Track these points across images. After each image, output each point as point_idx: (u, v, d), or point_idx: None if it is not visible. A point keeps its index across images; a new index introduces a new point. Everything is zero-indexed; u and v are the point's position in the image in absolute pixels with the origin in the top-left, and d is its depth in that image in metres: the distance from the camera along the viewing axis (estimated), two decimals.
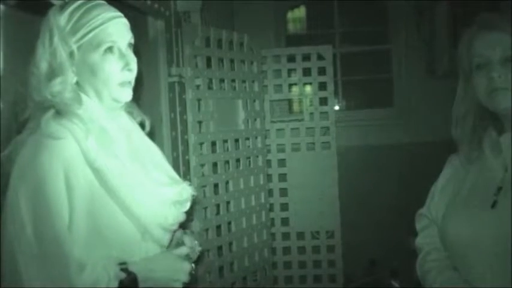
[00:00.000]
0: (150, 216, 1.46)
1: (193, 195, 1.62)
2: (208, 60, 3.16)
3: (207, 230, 3.05)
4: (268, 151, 3.96)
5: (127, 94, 1.49)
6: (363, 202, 4.42)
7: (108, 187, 1.39)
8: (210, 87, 3.15)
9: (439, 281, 1.59)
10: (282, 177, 4.06)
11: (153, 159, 1.60)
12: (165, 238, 1.54)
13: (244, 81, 3.49)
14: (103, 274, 1.34)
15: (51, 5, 1.47)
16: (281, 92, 4.07)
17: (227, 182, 3.27)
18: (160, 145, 2.62)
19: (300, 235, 4.06)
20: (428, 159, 2.71)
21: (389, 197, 4.35)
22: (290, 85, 4.12)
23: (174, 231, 1.60)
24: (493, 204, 1.47)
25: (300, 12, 5.08)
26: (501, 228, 1.42)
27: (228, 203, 3.26)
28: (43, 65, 1.42)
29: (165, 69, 2.90)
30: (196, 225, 2.90)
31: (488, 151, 1.56)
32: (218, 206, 3.18)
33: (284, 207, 4.06)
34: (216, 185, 3.15)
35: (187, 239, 1.62)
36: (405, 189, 4.01)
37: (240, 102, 3.42)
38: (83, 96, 1.46)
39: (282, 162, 4.07)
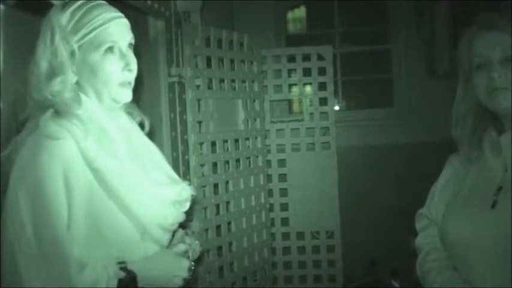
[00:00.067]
0: (149, 216, 1.46)
1: (192, 195, 1.62)
2: (208, 60, 3.16)
3: (206, 230, 3.05)
4: (268, 151, 3.96)
5: (127, 94, 1.49)
6: (363, 202, 4.42)
7: (108, 187, 1.39)
8: (210, 87, 3.15)
9: (439, 281, 1.59)
10: (282, 177, 4.06)
11: (153, 159, 1.60)
12: (165, 238, 1.54)
13: (244, 81, 3.49)
14: (102, 273, 1.34)
15: (51, 5, 1.47)
16: (281, 92, 4.07)
17: (227, 182, 3.27)
18: (160, 145, 2.62)
19: (300, 235, 4.06)
20: (428, 159, 2.71)
21: (389, 197, 4.35)
22: (290, 85, 4.12)
23: (174, 232, 1.60)
24: (493, 204, 1.47)
25: (300, 12, 5.08)
26: (501, 228, 1.42)
27: (227, 203, 3.26)
28: (43, 64, 1.42)
29: (165, 69, 2.90)
30: (196, 225, 2.90)
31: (488, 151, 1.56)
32: (218, 206, 3.18)
33: (284, 207, 4.06)
34: (216, 185, 3.15)
35: (188, 239, 1.62)
36: (405, 189, 4.01)
37: (240, 102, 3.41)
38: (83, 96, 1.46)
39: (282, 163, 4.07)
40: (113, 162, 1.41)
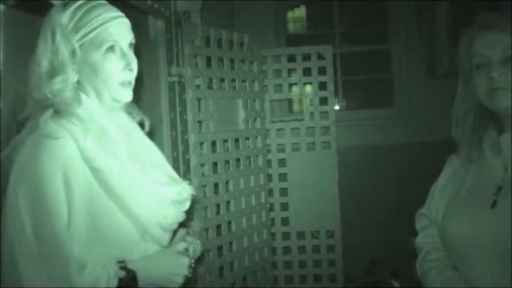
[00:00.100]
0: (149, 216, 1.46)
1: (192, 195, 1.62)
2: (208, 60, 3.15)
3: (207, 229, 3.05)
4: (269, 151, 3.96)
5: (127, 94, 1.49)
6: (363, 202, 4.42)
7: (107, 187, 1.39)
8: (210, 87, 3.15)
9: (439, 280, 1.60)
10: (282, 176, 4.06)
11: (153, 159, 1.60)
12: (165, 238, 1.54)
13: (244, 81, 3.49)
14: (102, 273, 1.34)
15: (51, 5, 1.47)
16: (281, 91, 4.07)
17: (227, 182, 3.27)
18: (161, 145, 2.62)
19: (300, 235, 4.06)
20: (428, 159, 2.72)
21: (389, 196, 4.35)
22: (290, 85, 4.12)
23: (175, 231, 1.60)
24: (493, 204, 1.47)
25: (300, 12, 5.08)
26: (501, 227, 1.42)
27: (228, 202, 3.26)
28: (44, 63, 1.42)
29: (165, 69, 2.90)
30: (196, 224, 2.90)
31: (488, 151, 1.56)
32: (218, 205, 3.18)
33: (284, 206, 4.06)
34: (216, 185, 3.15)
35: (189, 238, 1.62)
36: (405, 189, 4.01)
37: (240, 102, 3.41)
38: (83, 96, 1.46)
39: (282, 162, 4.07)
40: (112, 162, 1.41)
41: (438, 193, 1.69)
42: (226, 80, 3.28)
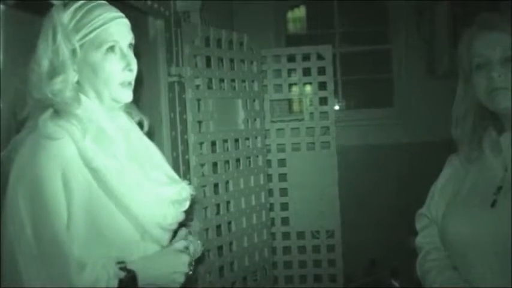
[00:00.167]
0: (148, 216, 1.46)
1: (192, 195, 1.62)
2: (208, 60, 3.15)
3: (207, 229, 3.05)
4: (268, 151, 3.96)
5: (127, 95, 1.50)
6: (363, 202, 4.42)
7: (107, 187, 1.39)
8: (209, 87, 3.15)
9: (439, 280, 1.60)
10: (282, 177, 4.06)
11: (152, 159, 1.59)
12: (164, 238, 1.54)
13: (244, 81, 3.49)
14: (102, 273, 1.34)
15: (51, 4, 1.47)
16: (281, 91, 4.07)
17: (227, 182, 3.27)
18: (160, 145, 2.62)
19: (300, 235, 4.06)
20: (428, 159, 2.71)
21: (389, 196, 4.35)
22: (290, 85, 4.12)
23: (175, 231, 1.60)
24: (493, 204, 1.47)
25: (300, 12, 5.08)
26: (501, 227, 1.42)
27: (228, 202, 3.26)
28: (45, 63, 1.42)
29: (164, 69, 2.90)
30: (196, 225, 2.90)
31: (488, 151, 1.56)
32: (218, 205, 3.18)
33: (284, 206, 4.06)
34: (216, 185, 3.15)
35: (190, 237, 1.62)
36: (405, 189, 4.01)
37: (239, 102, 3.41)
38: (82, 96, 1.46)
39: (282, 162, 4.07)
40: (111, 162, 1.41)
41: (438, 193, 1.69)
42: (226, 80, 3.28)
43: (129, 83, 1.49)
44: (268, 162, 3.92)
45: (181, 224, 1.62)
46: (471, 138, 1.58)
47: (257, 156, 3.55)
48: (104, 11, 1.45)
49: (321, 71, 4.01)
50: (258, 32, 3.97)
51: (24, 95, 1.44)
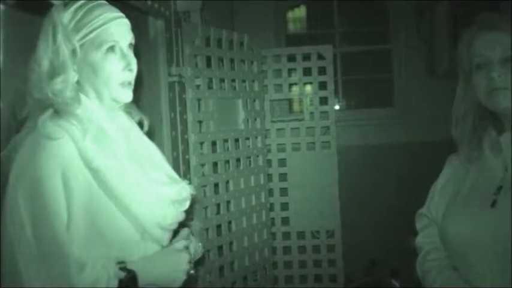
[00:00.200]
0: (148, 216, 1.46)
1: (192, 194, 1.62)
2: (208, 59, 3.16)
3: (207, 229, 3.05)
4: (269, 151, 3.96)
5: (127, 95, 1.50)
6: (363, 202, 4.42)
7: (107, 187, 1.39)
8: (210, 87, 3.15)
9: (439, 280, 1.60)
10: (283, 176, 4.06)
11: (152, 159, 1.59)
12: (164, 237, 1.54)
13: (244, 81, 3.49)
14: (103, 273, 1.34)
15: (51, 4, 1.47)
16: (281, 91, 4.07)
17: (227, 182, 3.27)
18: (161, 145, 2.62)
19: (301, 234, 4.07)
20: (428, 159, 2.72)
21: (389, 196, 4.35)
22: (290, 85, 4.12)
23: (176, 231, 1.60)
24: (493, 204, 1.47)
25: (300, 12, 5.09)
26: (501, 227, 1.42)
27: (228, 202, 3.26)
28: (45, 63, 1.42)
29: (165, 69, 2.90)
30: (196, 224, 2.90)
31: (488, 151, 1.56)
32: (218, 205, 3.18)
33: (284, 206, 4.06)
34: (216, 185, 3.15)
35: (192, 238, 1.62)
36: (405, 189, 4.01)
37: (240, 102, 3.41)
38: (82, 96, 1.46)
39: (282, 162, 4.07)
40: (111, 162, 1.41)
41: (438, 193, 1.69)
42: (226, 80, 3.28)
43: (129, 83, 1.49)
44: (269, 162, 3.92)
45: (182, 224, 1.62)
46: (471, 138, 1.58)
47: (257, 156, 3.55)
48: (104, 11, 1.45)
49: (321, 70, 4.01)
50: (259, 32, 3.97)
51: (24, 95, 1.44)
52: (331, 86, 4.00)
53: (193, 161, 2.96)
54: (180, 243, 1.56)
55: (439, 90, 3.58)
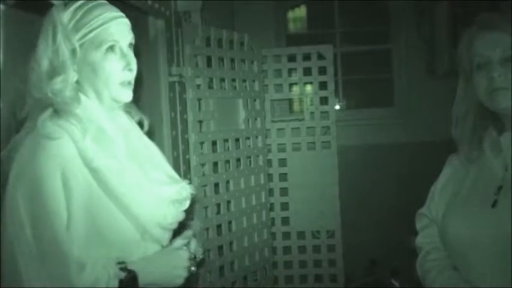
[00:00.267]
0: (148, 216, 1.46)
1: (192, 194, 1.62)
2: (209, 59, 3.16)
3: (207, 229, 3.05)
4: (269, 150, 3.96)
5: (127, 94, 1.50)
6: (363, 202, 4.42)
7: (107, 187, 1.39)
8: (210, 87, 3.15)
9: (439, 280, 1.60)
10: (283, 176, 4.06)
11: (152, 159, 1.59)
12: (164, 237, 1.54)
13: (244, 81, 3.49)
14: (103, 273, 1.34)
15: (51, 4, 1.47)
16: (281, 91, 4.07)
17: (228, 182, 3.27)
18: (161, 144, 2.62)
19: (301, 234, 4.06)
20: (429, 159, 2.71)
21: (389, 196, 4.35)
22: (290, 84, 4.12)
23: (176, 231, 1.60)
24: (493, 204, 1.47)
25: (301, 11, 5.08)
26: (501, 227, 1.42)
27: (228, 202, 3.26)
28: (44, 62, 1.42)
29: (165, 69, 2.90)
30: (196, 224, 2.90)
31: (489, 150, 1.56)
32: (219, 205, 3.18)
33: (284, 206, 4.06)
34: (216, 185, 3.15)
35: (193, 242, 1.61)
36: (405, 189, 4.01)
37: (240, 102, 3.42)
38: (82, 96, 1.46)
39: (282, 162, 4.07)
40: (111, 162, 1.41)
41: (438, 193, 1.69)
42: (226, 80, 3.28)
43: (129, 83, 1.49)
44: (269, 162, 3.92)
45: (181, 224, 1.62)
46: (471, 138, 1.58)
47: (258, 156, 3.55)
48: (104, 10, 1.45)
49: (322, 70, 4.01)
50: (259, 32, 3.97)
51: (24, 95, 1.44)
52: (331, 86, 4.00)
53: (194, 161, 2.97)
54: (178, 242, 1.56)
55: (439, 90, 3.58)
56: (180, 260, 1.52)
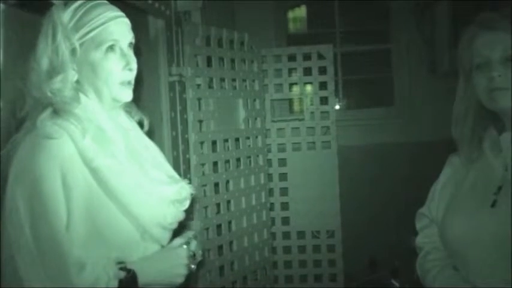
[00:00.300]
0: (148, 216, 1.46)
1: (192, 194, 1.62)
2: (209, 59, 3.16)
3: (207, 229, 3.05)
4: (269, 150, 3.96)
5: (127, 94, 1.50)
6: (364, 201, 4.41)
7: (106, 187, 1.39)
8: (210, 87, 3.15)
9: (439, 280, 1.60)
10: (283, 176, 4.06)
11: (152, 158, 1.59)
12: (164, 237, 1.54)
13: (244, 81, 3.49)
14: (102, 274, 1.33)
15: (51, 4, 1.47)
16: (282, 91, 4.07)
17: (228, 181, 3.27)
18: (161, 144, 2.62)
19: (301, 234, 4.06)
20: (429, 158, 2.71)
21: (389, 196, 4.34)
22: (291, 84, 4.12)
23: (175, 231, 1.60)
24: (493, 204, 1.47)
25: (301, 11, 5.08)
26: (501, 227, 1.42)
27: (228, 202, 3.26)
28: (44, 62, 1.43)
29: (165, 69, 2.90)
30: (196, 224, 2.91)
31: (489, 151, 1.56)
32: (219, 205, 3.18)
33: (284, 206, 4.06)
34: (216, 184, 3.15)
35: (193, 242, 1.61)
36: (405, 189, 4.01)
37: (240, 102, 3.42)
38: (81, 96, 1.46)
39: (282, 162, 4.07)
40: (111, 161, 1.41)
41: (438, 193, 1.69)
42: (226, 80, 3.28)
43: (129, 82, 1.49)
44: (269, 162, 3.92)
45: (181, 224, 1.62)
46: (471, 138, 1.58)
47: (258, 156, 3.55)
48: (104, 10, 1.46)
49: (322, 70, 4.01)
50: (259, 32, 3.97)
51: (24, 95, 1.44)
52: (331, 86, 4.00)
53: (194, 161, 2.97)
54: (176, 241, 1.55)
55: (440, 90, 3.58)
56: (179, 259, 1.51)
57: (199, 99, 3.06)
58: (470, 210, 1.53)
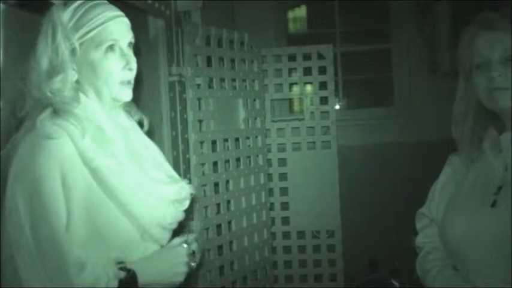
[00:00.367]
0: (148, 216, 1.46)
1: (192, 194, 1.62)
2: (209, 59, 3.16)
3: (207, 229, 3.05)
4: (269, 150, 3.96)
5: (127, 93, 1.50)
6: (364, 201, 4.41)
7: (106, 187, 1.39)
8: (210, 86, 3.15)
9: (439, 280, 1.60)
10: (283, 176, 4.06)
11: (151, 158, 1.59)
12: (164, 237, 1.54)
13: (244, 80, 3.49)
14: (103, 274, 1.33)
15: (51, 4, 1.47)
16: (282, 91, 4.07)
17: (227, 181, 3.27)
18: (161, 144, 2.62)
19: (301, 234, 4.06)
20: (429, 158, 2.71)
21: (389, 196, 4.34)
22: (291, 84, 4.12)
23: (175, 231, 1.60)
24: (493, 203, 1.47)
25: (301, 11, 5.08)
26: (501, 227, 1.42)
27: (228, 202, 3.25)
28: (44, 62, 1.43)
29: (165, 69, 2.90)
30: (196, 224, 2.91)
31: (489, 150, 1.56)
32: (218, 205, 3.18)
33: (284, 206, 4.06)
34: (216, 184, 3.15)
35: (194, 245, 1.60)
36: (405, 189, 4.01)
37: (240, 101, 3.42)
38: (81, 95, 1.46)
39: (282, 162, 4.07)
40: (111, 161, 1.41)
41: (438, 193, 1.70)
42: (226, 80, 3.28)
43: (129, 82, 1.49)
44: (269, 162, 3.92)
45: (181, 224, 1.62)
46: (471, 138, 1.58)
47: (257, 156, 3.55)
48: (104, 9, 1.46)
49: (322, 70, 4.01)
50: (259, 32, 3.97)
51: (24, 95, 1.44)
52: (331, 86, 4.00)
53: (194, 161, 2.97)
54: (175, 240, 1.55)
55: (440, 90, 3.58)
56: (179, 257, 1.51)
57: (199, 99, 3.06)
58: (470, 210, 1.53)
